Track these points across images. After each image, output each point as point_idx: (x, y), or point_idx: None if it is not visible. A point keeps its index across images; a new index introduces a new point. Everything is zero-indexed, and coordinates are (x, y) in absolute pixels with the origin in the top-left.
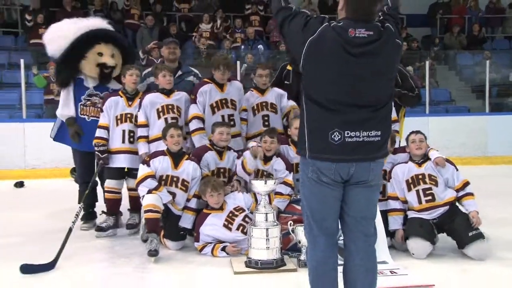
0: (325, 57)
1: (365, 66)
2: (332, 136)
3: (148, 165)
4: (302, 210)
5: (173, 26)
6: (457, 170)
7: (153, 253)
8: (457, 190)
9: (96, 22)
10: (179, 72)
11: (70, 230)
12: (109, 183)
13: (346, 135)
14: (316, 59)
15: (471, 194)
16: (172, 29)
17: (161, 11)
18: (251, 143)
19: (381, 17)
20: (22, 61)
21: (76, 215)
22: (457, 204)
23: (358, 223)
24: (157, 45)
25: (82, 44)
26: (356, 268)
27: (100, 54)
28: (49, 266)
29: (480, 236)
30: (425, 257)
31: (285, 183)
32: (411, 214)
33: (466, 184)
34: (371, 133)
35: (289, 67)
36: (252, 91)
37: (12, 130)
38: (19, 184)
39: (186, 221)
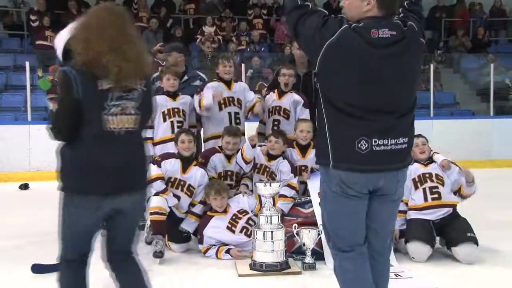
0: (346, 60)
1: (390, 68)
2: (359, 145)
3: (159, 166)
4: (323, 224)
5: (178, 29)
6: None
7: (159, 254)
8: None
9: None
10: (185, 77)
11: None
12: None
13: (373, 143)
14: (336, 63)
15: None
16: (177, 32)
17: (166, 13)
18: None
19: (401, 14)
20: (27, 63)
21: None
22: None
23: (377, 236)
24: (162, 47)
25: None
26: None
27: None
28: (58, 267)
29: (475, 240)
30: (426, 260)
31: (289, 185)
32: (412, 215)
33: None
34: (398, 141)
35: None
36: (274, 92)
37: (17, 132)
38: (24, 186)
39: (188, 225)
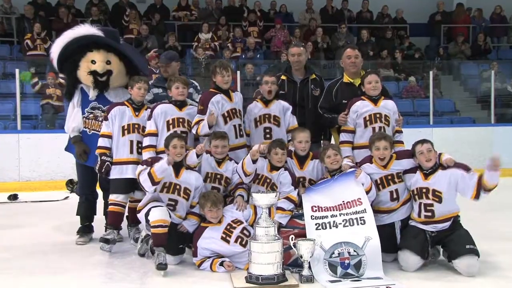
0: None
1: None
2: None
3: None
4: None
5: (172, 36)
6: (468, 170)
7: (163, 266)
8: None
9: (83, 30)
10: None
11: None
12: (116, 196)
13: None
14: None
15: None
16: (171, 39)
17: (159, 20)
18: (255, 146)
19: None
20: (17, 70)
21: None
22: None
23: None
24: (157, 53)
25: (71, 54)
26: None
27: (93, 61)
28: None
29: (476, 252)
30: (414, 271)
31: (288, 198)
32: (411, 222)
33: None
34: None
35: (283, 77)
36: (257, 101)
37: (7, 141)
38: (13, 197)
39: (190, 225)
